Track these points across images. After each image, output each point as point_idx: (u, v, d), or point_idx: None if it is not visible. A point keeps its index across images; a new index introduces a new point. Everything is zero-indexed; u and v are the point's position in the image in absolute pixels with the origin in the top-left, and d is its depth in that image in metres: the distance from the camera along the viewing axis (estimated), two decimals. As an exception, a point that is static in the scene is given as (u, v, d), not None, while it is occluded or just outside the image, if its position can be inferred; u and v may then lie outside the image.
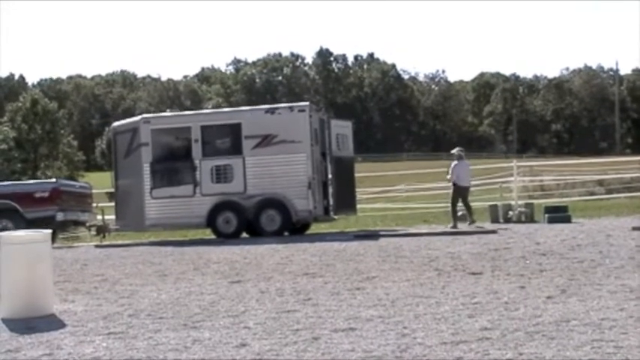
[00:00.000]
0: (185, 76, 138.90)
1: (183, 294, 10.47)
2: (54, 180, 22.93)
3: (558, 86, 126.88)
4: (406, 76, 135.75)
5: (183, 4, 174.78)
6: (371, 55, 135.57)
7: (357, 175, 22.11)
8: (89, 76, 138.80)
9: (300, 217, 18.81)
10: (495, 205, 20.62)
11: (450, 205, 19.27)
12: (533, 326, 7.45)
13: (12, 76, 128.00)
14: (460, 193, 19.07)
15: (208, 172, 18.96)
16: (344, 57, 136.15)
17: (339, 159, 19.99)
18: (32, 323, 8.68)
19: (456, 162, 19.10)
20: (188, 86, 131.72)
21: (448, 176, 19.32)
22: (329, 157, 19.76)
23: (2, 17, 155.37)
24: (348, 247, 15.10)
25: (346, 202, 20.28)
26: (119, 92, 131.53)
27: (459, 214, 22.17)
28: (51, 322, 8.77)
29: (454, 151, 19.57)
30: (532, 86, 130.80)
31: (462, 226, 18.45)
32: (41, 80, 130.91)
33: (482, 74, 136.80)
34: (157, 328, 8.21)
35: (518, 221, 19.47)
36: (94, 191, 22.38)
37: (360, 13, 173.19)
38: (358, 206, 22.15)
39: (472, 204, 19.87)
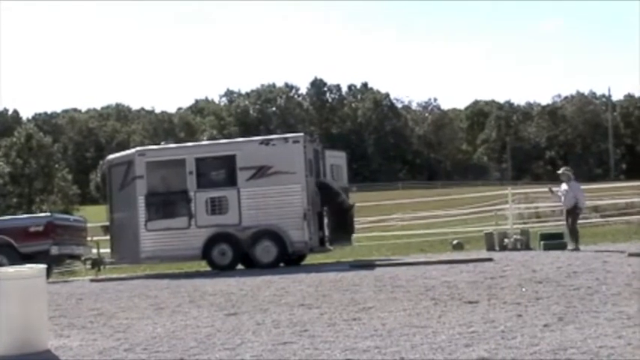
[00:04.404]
0: (179, 109, 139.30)
1: (179, 327, 10.42)
2: (48, 214, 22.88)
3: (552, 113, 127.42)
4: (399, 105, 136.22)
5: (176, 35, 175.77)
6: (365, 85, 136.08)
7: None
8: (83, 109, 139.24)
9: (296, 248, 18.76)
10: (491, 233, 20.61)
11: (569, 228, 18.72)
12: (531, 355, 7.43)
13: (6, 111, 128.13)
14: (579, 214, 18.95)
15: (203, 204, 18.94)
16: (338, 87, 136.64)
17: (333, 189, 19.97)
18: (27, 359, 8.62)
19: (566, 183, 18.81)
20: (182, 118, 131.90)
21: (558, 194, 18.95)
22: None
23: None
24: (344, 277, 15.06)
25: (341, 232, 20.25)
26: (113, 125, 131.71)
27: (455, 242, 22.14)
28: (46, 358, 8.72)
29: (562, 170, 19.26)
30: (527, 113, 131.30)
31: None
32: (35, 115, 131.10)
33: (475, 102, 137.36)
34: (152, 362, 8.16)
35: (514, 249, 19.45)
36: (89, 225, 22.32)
37: (354, 43, 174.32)
38: (353, 236, 22.11)
39: (468, 232, 19.84)
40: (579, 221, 19.40)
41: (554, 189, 19.69)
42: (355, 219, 21.59)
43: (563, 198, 18.92)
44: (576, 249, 18.19)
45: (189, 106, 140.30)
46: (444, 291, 12.36)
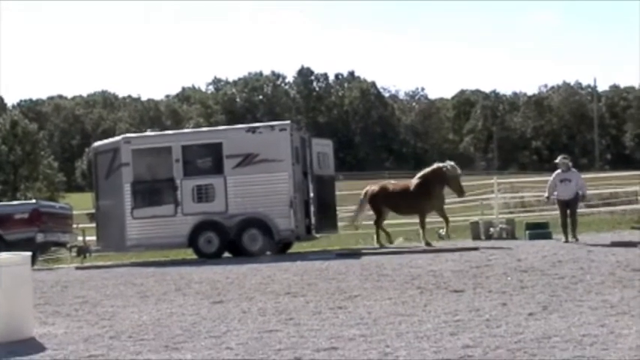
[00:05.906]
0: (166, 96, 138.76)
1: (164, 315, 10.41)
2: (34, 201, 22.77)
3: (538, 103, 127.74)
4: (386, 94, 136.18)
5: (163, 23, 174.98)
6: (351, 74, 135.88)
7: (338, 193, 22.11)
8: (69, 96, 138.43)
9: (282, 236, 18.77)
10: (477, 222, 20.68)
11: (564, 218, 18.02)
12: (515, 343, 7.47)
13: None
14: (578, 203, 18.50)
15: (189, 192, 18.91)
16: (325, 76, 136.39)
17: (320, 178, 20.01)
18: (12, 347, 8.60)
19: (563, 172, 18.16)
20: (169, 106, 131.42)
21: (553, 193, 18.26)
22: (310, 175, 19.78)
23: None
24: (330, 265, 15.08)
25: (328, 220, 20.28)
26: (99, 113, 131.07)
27: (442, 232, 22.19)
28: (31, 346, 8.70)
29: (560, 159, 18.53)
30: (513, 103, 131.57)
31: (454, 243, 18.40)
32: (21, 101, 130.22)
33: (462, 91, 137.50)
34: (138, 350, 8.16)
35: (500, 238, 19.54)
36: (74, 212, 22.26)
37: (341, 32, 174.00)
38: (340, 224, 22.14)
39: (453, 221, 19.85)
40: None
41: (549, 196, 18.75)
42: (341, 207, 21.55)
43: (557, 188, 18.15)
44: (575, 239, 17.59)
45: (176, 93, 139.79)
46: (429, 280, 12.41)
